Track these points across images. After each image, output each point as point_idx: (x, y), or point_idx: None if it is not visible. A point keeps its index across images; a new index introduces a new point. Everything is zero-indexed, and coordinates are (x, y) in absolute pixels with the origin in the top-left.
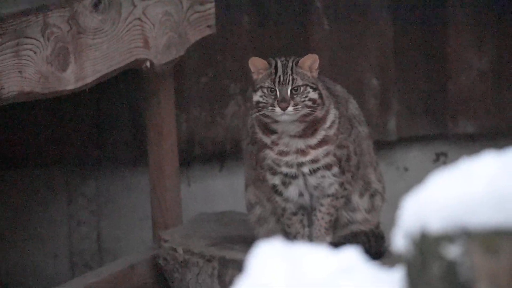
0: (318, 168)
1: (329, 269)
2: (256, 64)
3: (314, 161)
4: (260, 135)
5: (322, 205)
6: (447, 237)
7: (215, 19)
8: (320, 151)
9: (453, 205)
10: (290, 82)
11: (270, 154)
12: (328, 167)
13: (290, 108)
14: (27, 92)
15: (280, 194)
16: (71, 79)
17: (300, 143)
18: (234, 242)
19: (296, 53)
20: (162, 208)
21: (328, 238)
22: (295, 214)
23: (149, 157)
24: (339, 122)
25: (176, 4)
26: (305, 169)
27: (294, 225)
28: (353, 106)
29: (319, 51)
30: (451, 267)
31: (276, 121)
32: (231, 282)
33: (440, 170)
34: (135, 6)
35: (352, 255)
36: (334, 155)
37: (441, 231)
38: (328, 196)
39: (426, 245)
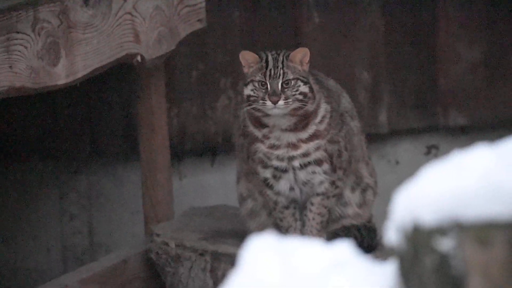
0: (309, 163)
1: (321, 263)
2: (247, 58)
3: (305, 155)
4: (252, 128)
5: (312, 204)
6: (439, 230)
7: (206, 13)
8: (311, 145)
9: (445, 198)
10: (281, 76)
11: (261, 148)
12: (318, 162)
13: (281, 102)
14: (18, 87)
15: (271, 187)
16: (62, 74)
17: (291, 137)
18: (227, 236)
19: (287, 46)
20: (153, 202)
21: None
22: (287, 207)
23: (141, 152)
24: (331, 117)
25: None
26: (296, 163)
27: (286, 218)
28: (345, 101)
29: (309, 44)
30: (443, 260)
31: (267, 115)
32: (223, 276)
33: (431, 162)
34: (125, 0)
35: (344, 248)
36: (325, 150)
37: (433, 224)
38: (318, 194)
39: (418, 238)
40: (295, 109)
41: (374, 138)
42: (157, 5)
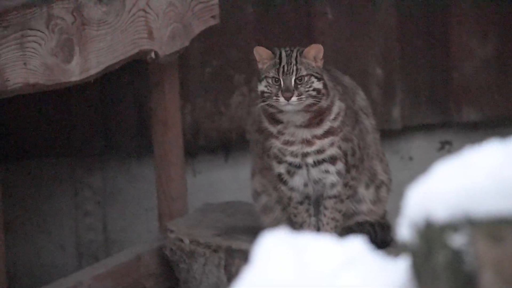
0: (324, 160)
1: (335, 259)
2: (261, 54)
3: (319, 151)
4: (266, 124)
5: (326, 208)
6: (452, 226)
7: (219, 9)
8: (326, 141)
9: (458, 194)
10: (294, 72)
11: (276, 144)
12: (333, 160)
13: (294, 98)
14: (32, 84)
15: (285, 183)
16: (75, 71)
17: (306, 133)
18: (240, 232)
19: (300, 42)
20: (167, 198)
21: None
22: (301, 203)
23: (154, 148)
24: (345, 114)
25: None
26: (310, 160)
27: (301, 214)
28: (360, 98)
29: (322, 40)
30: (456, 256)
31: (281, 111)
32: (237, 272)
33: (444, 158)
34: None
35: (357, 244)
36: (339, 147)
37: (445, 220)
38: (331, 197)
39: (431, 234)
40: (309, 105)
41: (387, 134)
42: (170, 2)
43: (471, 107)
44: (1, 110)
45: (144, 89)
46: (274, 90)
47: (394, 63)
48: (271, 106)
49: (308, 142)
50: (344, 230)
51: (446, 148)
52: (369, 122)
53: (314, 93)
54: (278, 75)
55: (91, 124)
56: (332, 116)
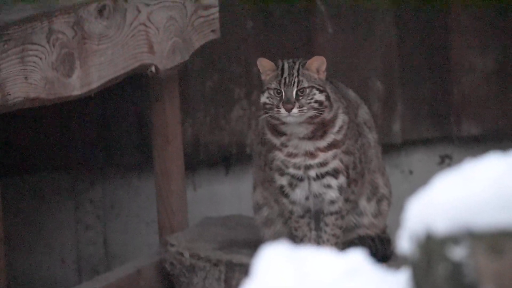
0: (327, 173)
1: (335, 272)
2: (264, 65)
3: (322, 164)
4: (270, 136)
5: (327, 224)
6: (452, 239)
7: (219, 23)
8: (329, 154)
9: (458, 207)
10: (296, 84)
11: (279, 155)
12: (335, 173)
13: (295, 110)
14: (33, 98)
15: (286, 196)
16: (76, 85)
17: (309, 146)
18: (241, 246)
19: (300, 56)
20: (168, 212)
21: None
22: (302, 217)
23: (155, 162)
24: (348, 128)
25: (181, 9)
26: (312, 173)
27: (301, 228)
28: (364, 111)
29: (322, 54)
30: (456, 269)
31: (284, 123)
32: (237, 286)
33: (444, 172)
34: (139, 11)
35: (358, 257)
36: (341, 160)
37: (446, 233)
38: (332, 214)
39: (431, 246)
40: (311, 117)
41: (388, 148)
42: (171, 16)
43: (472, 121)
44: (2, 124)
45: (145, 103)
46: (275, 102)
47: (394, 77)
48: (274, 117)
49: (311, 155)
50: (344, 245)
51: (446, 162)
52: (371, 136)
53: (316, 105)
54: (280, 87)
55: (92, 138)
56: (336, 128)
